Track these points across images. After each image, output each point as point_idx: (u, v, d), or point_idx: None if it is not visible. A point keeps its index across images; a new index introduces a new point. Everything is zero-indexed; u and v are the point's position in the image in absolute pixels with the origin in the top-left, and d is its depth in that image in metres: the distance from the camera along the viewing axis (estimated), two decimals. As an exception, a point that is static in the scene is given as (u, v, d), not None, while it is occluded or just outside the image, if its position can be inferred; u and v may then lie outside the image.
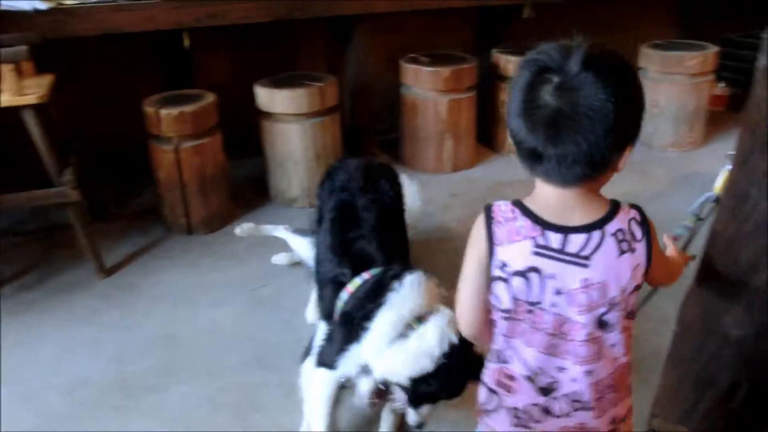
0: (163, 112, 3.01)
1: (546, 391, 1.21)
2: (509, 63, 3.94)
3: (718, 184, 1.72)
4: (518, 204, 1.16)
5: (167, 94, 3.23)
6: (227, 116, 3.36)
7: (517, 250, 1.13)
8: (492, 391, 1.28)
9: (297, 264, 2.83)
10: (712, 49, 4.07)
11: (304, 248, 2.49)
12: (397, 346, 1.67)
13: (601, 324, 1.16)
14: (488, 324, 1.24)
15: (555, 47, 1.09)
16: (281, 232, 2.72)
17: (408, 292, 1.73)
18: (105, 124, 3.54)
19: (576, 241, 1.12)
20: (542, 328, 1.16)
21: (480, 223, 1.18)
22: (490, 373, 1.28)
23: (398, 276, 1.78)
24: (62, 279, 2.87)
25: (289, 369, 2.31)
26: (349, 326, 1.79)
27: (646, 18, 4.86)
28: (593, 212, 1.13)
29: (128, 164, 3.57)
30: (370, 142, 4.07)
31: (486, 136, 4.21)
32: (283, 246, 2.80)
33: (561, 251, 1.12)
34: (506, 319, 1.19)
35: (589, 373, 1.18)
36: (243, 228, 2.75)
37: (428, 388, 1.65)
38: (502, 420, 1.28)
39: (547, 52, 1.08)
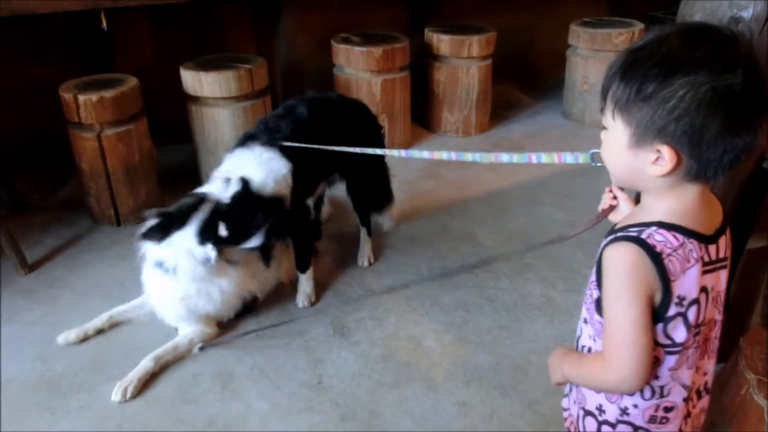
0: (82, 97, 2.86)
1: (689, 399, 1.14)
2: (441, 42, 3.94)
3: None
4: (674, 227, 1.00)
5: (86, 78, 3.08)
6: (153, 101, 3.23)
7: (691, 278, 1.01)
8: (639, 428, 1.13)
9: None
10: (638, 26, 4.19)
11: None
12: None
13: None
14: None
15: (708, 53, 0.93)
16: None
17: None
18: (24, 113, 3.35)
19: (722, 244, 1.05)
20: (700, 344, 1.09)
21: (638, 260, 0.99)
22: (637, 412, 1.11)
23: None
24: (-21, 277, 2.72)
25: (224, 358, 2.27)
26: None
27: (575, -5, 4.94)
28: (717, 204, 1.08)
29: (50, 154, 3.40)
30: (304, 125, 4.01)
31: (421, 116, 4.21)
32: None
33: (717, 260, 1.04)
34: (675, 353, 1.05)
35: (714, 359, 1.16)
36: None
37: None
38: None
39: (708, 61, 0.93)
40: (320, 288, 2.60)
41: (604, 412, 1.14)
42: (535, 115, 4.50)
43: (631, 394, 1.09)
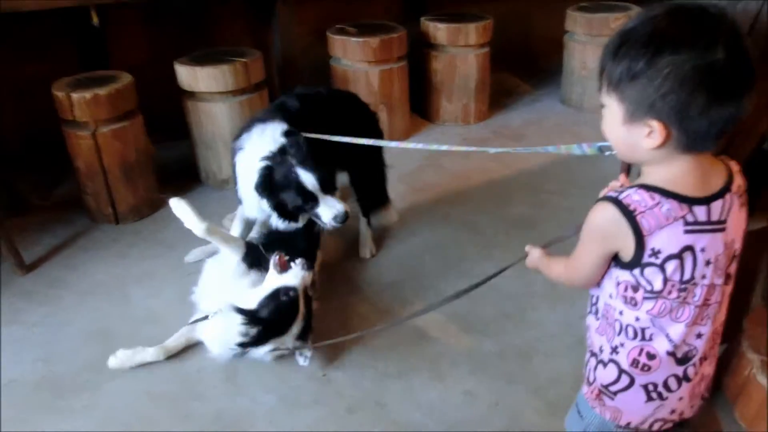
0: (75, 96, 2.83)
1: (684, 360, 1.21)
2: (438, 30, 3.91)
3: None
4: (653, 188, 1.10)
5: (80, 76, 3.05)
6: (148, 97, 3.20)
7: (668, 234, 1.10)
8: (623, 371, 1.24)
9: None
10: (635, 10, 4.15)
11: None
12: None
13: (727, 278, 1.19)
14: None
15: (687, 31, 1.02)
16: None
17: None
18: (19, 112, 3.33)
19: (716, 208, 1.11)
20: (692, 302, 1.16)
21: (611, 218, 1.12)
22: (625, 351, 1.22)
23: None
24: (-23, 279, 2.70)
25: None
26: None
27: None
28: (721, 172, 1.14)
29: (47, 153, 3.37)
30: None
31: (419, 106, 4.18)
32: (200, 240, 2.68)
33: (708, 222, 1.10)
34: (652, 299, 1.16)
35: (713, 326, 1.21)
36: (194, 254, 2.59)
37: None
38: (633, 397, 1.25)
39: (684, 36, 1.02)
40: (322, 280, 2.58)
41: (602, 351, 1.27)
42: (534, 102, 4.48)
43: (594, 317, 1.28)
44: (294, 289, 2.04)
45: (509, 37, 4.64)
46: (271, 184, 2.19)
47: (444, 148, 2.03)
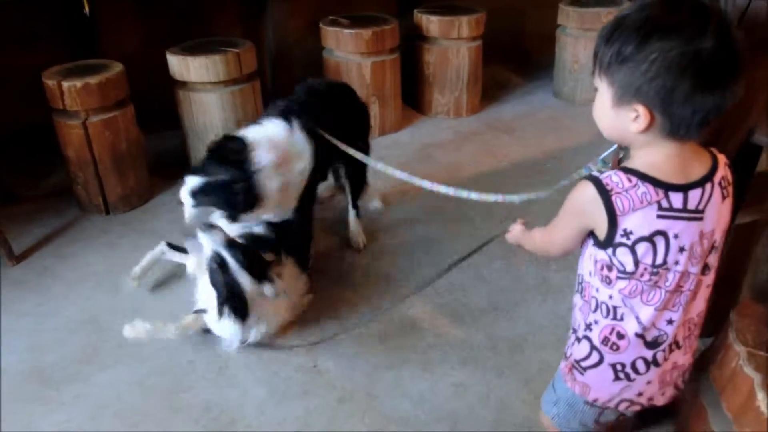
0: (66, 84, 2.81)
1: (654, 344, 1.25)
2: (431, 23, 3.90)
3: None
4: (632, 171, 1.13)
5: (70, 65, 3.02)
6: (140, 87, 3.18)
7: (641, 217, 1.13)
8: (594, 348, 1.29)
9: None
10: (627, 4, 4.15)
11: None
12: None
13: (705, 268, 1.22)
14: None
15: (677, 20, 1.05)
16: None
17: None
18: (8, 101, 3.29)
19: (694, 197, 1.13)
20: (663, 286, 1.19)
21: (589, 196, 1.15)
22: (598, 329, 1.27)
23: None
24: (-33, 269, 2.69)
25: (218, 344, 2.25)
26: None
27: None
28: (704, 162, 1.17)
29: (37, 142, 3.35)
30: (294, 109, 3.97)
31: (412, 99, 4.17)
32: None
33: (683, 209, 1.13)
34: (625, 278, 1.19)
35: (685, 314, 1.24)
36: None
37: None
38: (602, 375, 1.30)
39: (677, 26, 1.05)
40: (313, 271, 2.58)
41: (579, 328, 1.33)
42: (526, 95, 4.48)
43: (579, 296, 1.32)
44: (216, 254, 2.04)
45: (502, 31, 4.64)
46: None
47: (443, 189, 2.14)
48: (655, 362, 1.27)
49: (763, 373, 1.30)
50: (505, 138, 3.82)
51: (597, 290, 1.25)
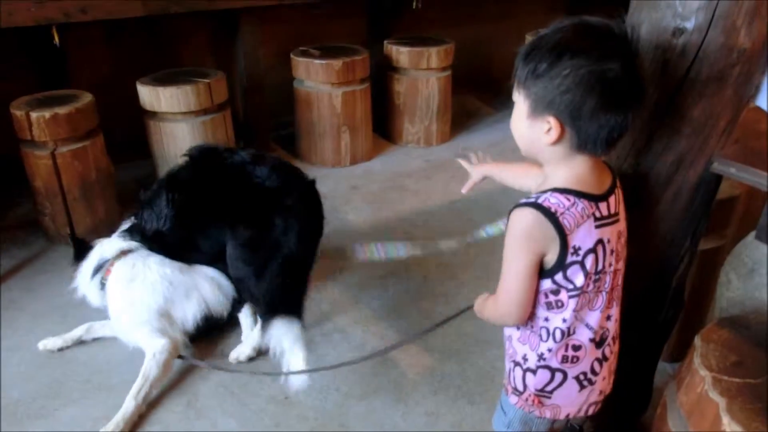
0: (34, 115, 2.79)
1: (601, 343, 1.31)
2: (401, 54, 3.97)
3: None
4: (566, 191, 1.19)
5: (39, 95, 3.00)
6: (110, 117, 3.17)
7: (584, 231, 1.19)
8: (556, 370, 1.31)
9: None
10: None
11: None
12: None
13: (622, 260, 1.31)
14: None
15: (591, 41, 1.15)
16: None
17: None
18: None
19: (612, 202, 1.24)
20: (603, 289, 1.26)
21: (532, 221, 1.18)
22: (551, 355, 1.29)
23: None
24: (-71, 302, 2.62)
25: (188, 376, 2.22)
26: None
27: (532, 6, 5.03)
28: (609, 172, 1.27)
29: (4, 173, 3.30)
30: (265, 139, 3.98)
31: (382, 128, 4.22)
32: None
33: (609, 216, 1.22)
34: (575, 295, 1.23)
35: (618, 306, 1.33)
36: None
37: None
38: (568, 392, 1.33)
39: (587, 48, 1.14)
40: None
41: (527, 360, 1.32)
42: (496, 123, 4.56)
43: (515, 327, 1.32)
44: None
45: (471, 60, 4.74)
46: None
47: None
48: (605, 358, 1.33)
49: (727, 397, 1.32)
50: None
51: (546, 319, 1.27)
